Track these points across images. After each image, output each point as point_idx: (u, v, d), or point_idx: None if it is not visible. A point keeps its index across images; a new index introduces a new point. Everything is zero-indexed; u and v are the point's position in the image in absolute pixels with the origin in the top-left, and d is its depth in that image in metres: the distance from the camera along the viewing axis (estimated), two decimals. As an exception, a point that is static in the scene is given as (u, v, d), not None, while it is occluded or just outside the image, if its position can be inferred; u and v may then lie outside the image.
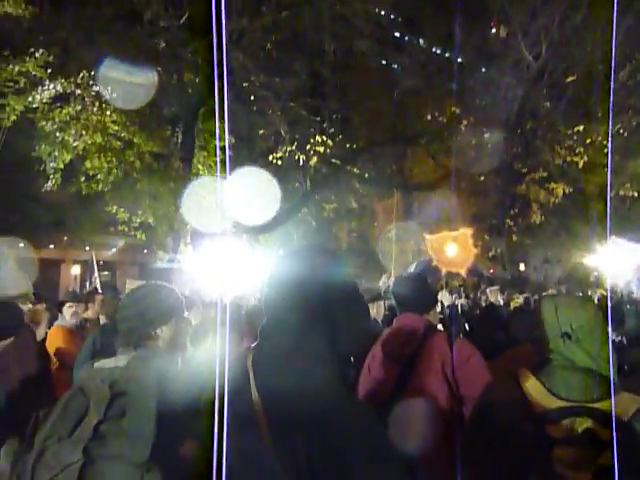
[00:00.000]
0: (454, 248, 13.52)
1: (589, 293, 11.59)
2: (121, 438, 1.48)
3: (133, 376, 1.65)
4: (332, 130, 14.17)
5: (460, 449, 1.76)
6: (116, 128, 9.79)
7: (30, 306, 3.58)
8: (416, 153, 16.04)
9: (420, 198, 17.28)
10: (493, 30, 16.73)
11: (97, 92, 9.65)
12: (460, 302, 7.48)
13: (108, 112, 9.66)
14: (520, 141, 13.07)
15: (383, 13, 15.85)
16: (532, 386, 1.51)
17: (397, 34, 20.86)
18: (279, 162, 14.85)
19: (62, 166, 9.54)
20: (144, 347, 1.88)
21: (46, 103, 9.12)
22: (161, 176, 10.30)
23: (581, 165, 13.22)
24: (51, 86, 8.78)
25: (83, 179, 10.10)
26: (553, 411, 1.43)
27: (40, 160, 9.73)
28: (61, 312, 4.33)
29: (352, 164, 15.96)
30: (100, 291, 6.52)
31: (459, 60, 16.01)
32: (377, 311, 4.16)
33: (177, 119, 12.46)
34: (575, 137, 12.31)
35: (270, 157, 14.26)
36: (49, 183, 9.68)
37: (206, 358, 1.94)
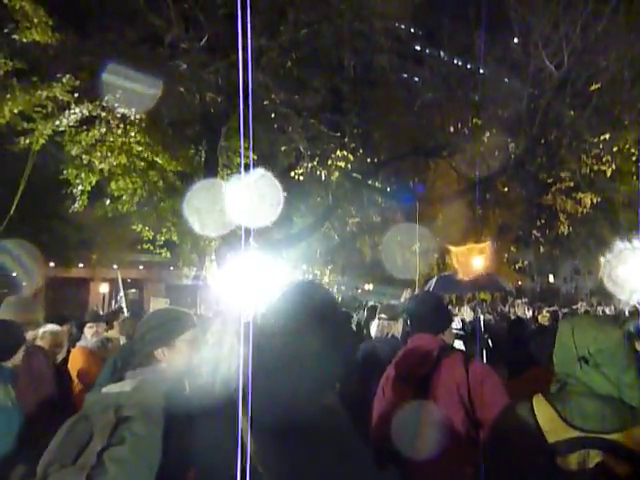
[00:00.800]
0: (480, 261, 13.30)
1: (621, 307, 11.19)
2: (122, 464, 1.45)
3: (139, 401, 1.64)
4: (353, 145, 14.20)
5: (479, 473, 1.70)
6: (140, 149, 10.01)
7: (51, 328, 3.63)
8: (439, 165, 15.91)
9: (444, 211, 17.09)
10: (515, 40, 16.61)
11: (122, 114, 9.93)
12: (484, 317, 7.28)
13: (132, 133, 9.90)
14: (545, 151, 12.82)
15: (403, 27, 15.92)
16: (545, 413, 1.43)
17: (417, 47, 20.93)
18: (301, 178, 14.96)
19: (89, 188, 9.79)
20: (148, 369, 1.88)
21: (72, 126, 9.41)
22: (184, 194, 10.47)
23: (609, 174, 12.88)
24: (77, 110, 9.05)
25: (108, 201, 10.34)
26: (565, 442, 1.34)
27: (68, 182, 10.02)
28: (83, 332, 4.39)
29: (374, 178, 15.94)
30: (125, 310, 6.59)
31: (481, 71, 15.90)
32: (396, 329, 4.08)
33: (200, 138, 12.70)
34: (601, 145, 12.03)
35: (292, 173, 14.38)
36: (76, 204, 9.93)
37: (225, 376, 1.93)
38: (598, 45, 11.62)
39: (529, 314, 9.03)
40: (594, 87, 11.57)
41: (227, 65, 9.94)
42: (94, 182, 9.80)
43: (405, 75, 17.93)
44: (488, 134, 14.74)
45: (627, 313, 9.52)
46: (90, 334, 4.27)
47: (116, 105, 9.48)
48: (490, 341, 5.30)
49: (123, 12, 9.97)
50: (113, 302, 14.75)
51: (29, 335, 3.21)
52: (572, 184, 13.91)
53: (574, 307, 12.50)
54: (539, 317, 9.13)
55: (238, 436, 1.10)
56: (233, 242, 12.21)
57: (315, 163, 14.05)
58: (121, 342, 4.31)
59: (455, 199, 14.87)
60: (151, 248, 12.52)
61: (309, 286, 1.42)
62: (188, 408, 1.73)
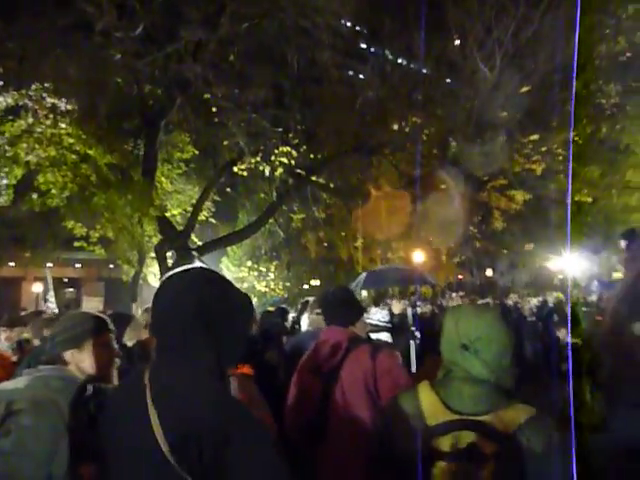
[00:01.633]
0: (418, 256, 13.68)
1: (545, 298, 11.86)
2: (4, 457, 1.44)
3: (29, 395, 1.62)
4: (296, 141, 14.21)
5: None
6: (71, 141, 9.58)
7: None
8: (381, 163, 16.18)
9: (386, 206, 17.41)
10: (456, 42, 17.14)
11: (52, 104, 9.46)
12: (420, 310, 7.52)
13: (63, 125, 9.46)
14: (480, 150, 13.35)
15: (346, 24, 16.06)
16: (428, 398, 1.50)
17: (362, 45, 21.15)
18: (244, 174, 14.82)
19: (14, 181, 9.27)
20: (47, 367, 1.86)
21: (-4, 116, 8.89)
22: (119, 189, 10.11)
23: (539, 172, 13.57)
24: (1, 99, 8.54)
25: (36, 195, 9.83)
26: (442, 424, 1.41)
27: (-9, 175, 9.46)
28: (-1, 336, 4.18)
29: (318, 174, 16.02)
30: (57, 309, 6.30)
31: (423, 71, 16.30)
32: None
33: (139, 132, 12.30)
34: (531, 146, 12.65)
35: (235, 169, 14.21)
36: (1, 199, 9.39)
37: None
38: (528, 50, 12.20)
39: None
40: (524, 89, 12.14)
41: (164, 56, 9.68)
42: (19, 175, 9.29)
43: (349, 72, 18.08)
44: (427, 132, 15.17)
45: (551, 304, 10.11)
46: (4, 338, 4.08)
47: (44, 95, 9.02)
48: (419, 333, 5.49)
49: (52, -3, 9.48)
50: (43, 302, 14.10)
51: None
52: (505, 182, 14.57)
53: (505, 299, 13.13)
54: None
55: (150, 434, 1.10)
56: (173, 239, 11.95)
57: (258, 159, 13.96)
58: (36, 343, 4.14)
59: (396, 195, 15.20)
60: (84, 245, 12.03)
61: (194, 276, 1.28)
62: (87, 407, 1.71)
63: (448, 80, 16.39)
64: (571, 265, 13.10)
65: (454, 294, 12.03)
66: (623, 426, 2.52)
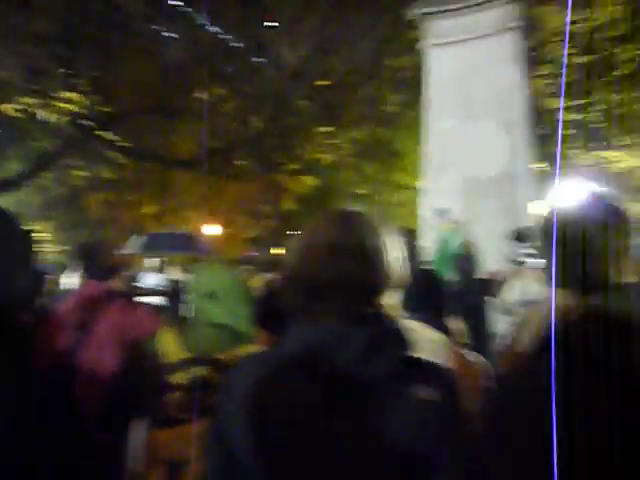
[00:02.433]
0: (211, 229, 13.74)
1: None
2: None
3: None
4: (86, 89, 12.77)
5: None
6: None
7: None
8: (180, 129, 15.61)
9: (183, 176, 16.92)
10: (270, 23, 17.39)
11: None
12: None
13: None
14: (278, 134, 13.96)
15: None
16: (168, 341, 1.62)
17: (173, 2, 19.93)
18: (17, 115, 12.71)
19: None
20: None
21: None
22: None
23: (328, 162, 14.86)
24: None
25: None
26: (177, 362, 1.55)
27: None
28: None
29: (109, 130, 14.67)
30: None
31: (235, 44, 16.14)
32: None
33: None
34: (323, 137, 13.77)
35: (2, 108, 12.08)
36: None
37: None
38: (332, 46, 13.11)
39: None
40: (321, 83, 13.07)
41: None
42: None
43: (156, 27, 16.91)
44: (232, 106, 15.17)
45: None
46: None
47: None
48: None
49: None
50: None
51: None
52: (298, 167, 15.56)
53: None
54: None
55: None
56: None
57: (36, 100, 12.15)
58: None
59: (192, 165, 14.93)
60: None
61: None
62: None
63: (258, 59, 16.59)
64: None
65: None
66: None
